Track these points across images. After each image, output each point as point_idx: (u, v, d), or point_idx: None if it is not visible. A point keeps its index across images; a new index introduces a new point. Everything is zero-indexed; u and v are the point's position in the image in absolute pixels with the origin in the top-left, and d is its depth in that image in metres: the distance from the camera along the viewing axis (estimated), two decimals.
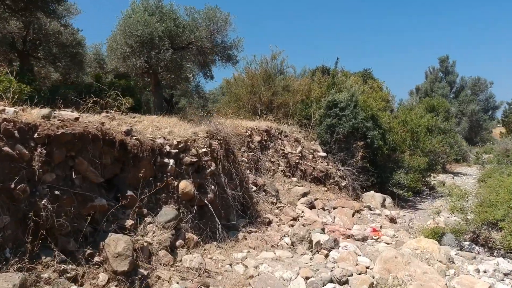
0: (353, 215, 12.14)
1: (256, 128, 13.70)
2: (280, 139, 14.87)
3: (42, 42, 14.05)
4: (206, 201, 7.73)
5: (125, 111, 8.10)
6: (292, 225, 10.11)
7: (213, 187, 8.05)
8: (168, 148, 7.36)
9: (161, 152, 7.22)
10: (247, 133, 12.64)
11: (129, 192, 6.56)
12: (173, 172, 7.34)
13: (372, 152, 16.57)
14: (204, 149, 8.06)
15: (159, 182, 7.09)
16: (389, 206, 14.77)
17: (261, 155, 13.00)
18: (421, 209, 16.12)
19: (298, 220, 10.52)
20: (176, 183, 7.35)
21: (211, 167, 8.10)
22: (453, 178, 26.40)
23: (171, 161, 7.31)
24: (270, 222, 9.98)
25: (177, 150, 7.50)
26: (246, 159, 11.67)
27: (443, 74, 51.43)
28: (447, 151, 24.24)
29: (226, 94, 20.69)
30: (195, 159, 7.71)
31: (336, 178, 15.20)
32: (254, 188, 10.84)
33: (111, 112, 7.49)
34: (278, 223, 10.16)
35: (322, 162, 15.35)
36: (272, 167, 13.42)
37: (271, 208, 10.76)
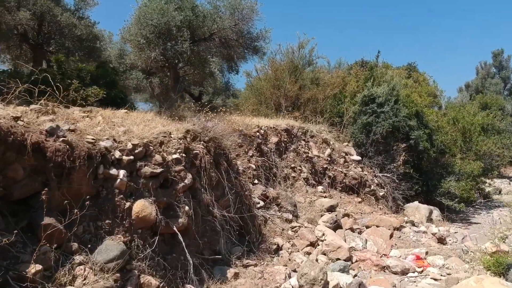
0: (390, 236, 9.74)
1: (274, 127, 11.51)
2: (304, 140, 12.66)
3: (55, 35, 13.02)
4: (175, 228, 5.51)
5: (87, 104, 6.29)
6: (309, 253, 7.80)
7: (187, 208, 5.78)
8: (118, 154, 5.18)
9: (105, 160, 5.05)
10: (259, 133, 10.38)
11: (47, 220, 4.43)
12: (124, 189, 5.15)
13: (417, 156, 15.00)
14: (176, 155, 5.82)
15: (101, 203, 4.95)
16: (437, 220, 13.08)
17: (277, 160, 10.71)
18: (475, 223, 14.29)
19: (318, 245, 8.16)
20: (128, 204, 5.15)
21: (186, 180, 5.84)
22: (509, 183, 24.13)
23: (121, 173, 5.12)
24: (279, 249, 7.68)
25: (131, 157, 5.31)
26: (254, 166, 9.38)
27: (496, 69, 47.47)
28: (504, 154, 21.43)
29: (247, 89, 18.70)
30: (159, 170, 5.48)
31: (372, 187, 13.40)
32: (261, 203, 8.55)
33: (48, 104, 5.45)
34: (289, 250, 7.84)
35: (355, 168, 13.56)
36: (292, 174, 11.16)
37: (282, 230, 8.42)
